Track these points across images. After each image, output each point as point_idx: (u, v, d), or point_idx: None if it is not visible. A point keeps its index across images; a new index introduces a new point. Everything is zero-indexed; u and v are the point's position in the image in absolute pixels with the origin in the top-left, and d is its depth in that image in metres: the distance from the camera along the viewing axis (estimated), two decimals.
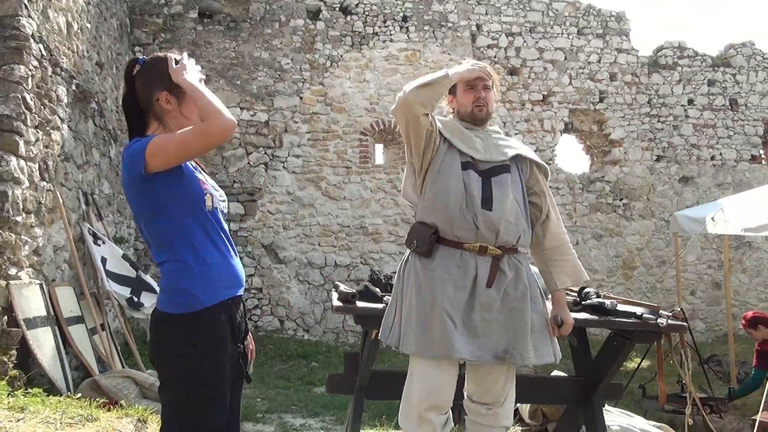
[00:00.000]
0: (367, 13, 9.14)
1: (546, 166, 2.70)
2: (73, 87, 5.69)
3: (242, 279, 1.99)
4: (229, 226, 7.42)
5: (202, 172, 2.01)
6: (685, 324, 3.06)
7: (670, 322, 2.96)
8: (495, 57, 9.47)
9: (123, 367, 5.38)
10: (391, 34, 9.20)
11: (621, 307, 3.14)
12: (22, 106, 4.53)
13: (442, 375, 2.41)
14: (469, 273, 2.40)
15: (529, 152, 2.65)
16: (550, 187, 2.72)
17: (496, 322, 2.38)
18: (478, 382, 2.55)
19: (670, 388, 6.28)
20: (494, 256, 2.42)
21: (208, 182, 1.98)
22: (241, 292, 1.97)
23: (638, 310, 3.07)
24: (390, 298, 2.67)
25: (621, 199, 9.68)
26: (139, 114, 1.97)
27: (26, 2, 4.64)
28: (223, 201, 2.02)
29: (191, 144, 1.80)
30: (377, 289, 3.12)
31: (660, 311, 3.06)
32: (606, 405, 3.79)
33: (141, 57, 1.99)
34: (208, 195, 1.91)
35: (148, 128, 1.96)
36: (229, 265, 1.94)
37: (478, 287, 2.39)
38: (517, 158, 2.58)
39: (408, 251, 2.57)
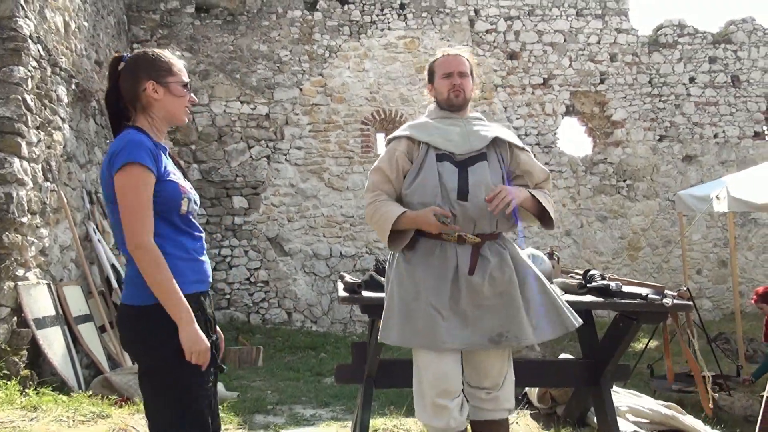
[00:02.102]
0: (364, 1, 9.10)
1: (527, 148, 2.69)
2: (73, 86, 5.70)
3: (210, 276, 2.03)
4: (233, 220, 7.39)
5: (176, 168, 2.01)
6: (690, 303, 3.07)
7: (675, 302, 2.97)
8: (494, 41, 9.43)
9: (133, 363, 5.42)
10: (389, 22, 9.16)
11: (626, 289, 3.14)
12: (23, 108, 4.54)
13: (445, 361, 2.44)
14: (449, 262, 2.42)
15: (508, 135, 2.64)
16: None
17: (487, 307, 2.39)
18: (474, 367, 2.55)
19: (678, 368, 6.30)
20: (474, 244, 2.43)
21: (184, 183, 1.98)
22: (208, 287, 2.02)
23: (643, 291, 3.07)
24: None
25: (624, 180, 9.65)
26: (125, 109, 1.98)
27: (23, 3, 4.63)
28: (197, 202, 2.04)
29: (127, 222, 1.81)
30: (382, 279, 3.13)
31: (665, 291, 3.07)
32: (614, 386, 3.81)
33: (125, 54, 2.01)
34: (185, 200, 1.93)
35: (135, 122, 1.97)
36: (199, 262, 1.97)
37: (461, 275, 2.40)
38: (497, 143, 2.58)
39: None
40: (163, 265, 1.81)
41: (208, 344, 1.84)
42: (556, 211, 2.68)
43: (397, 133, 2.65)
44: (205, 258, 2.01)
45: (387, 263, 2.65)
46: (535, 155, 9.66)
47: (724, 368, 5.87)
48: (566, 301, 3.00)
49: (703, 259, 9.79)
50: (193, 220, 1.99)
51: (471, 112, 2.69)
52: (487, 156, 2.53)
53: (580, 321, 2.52)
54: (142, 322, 1.85)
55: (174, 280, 1.81)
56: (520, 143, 2.65)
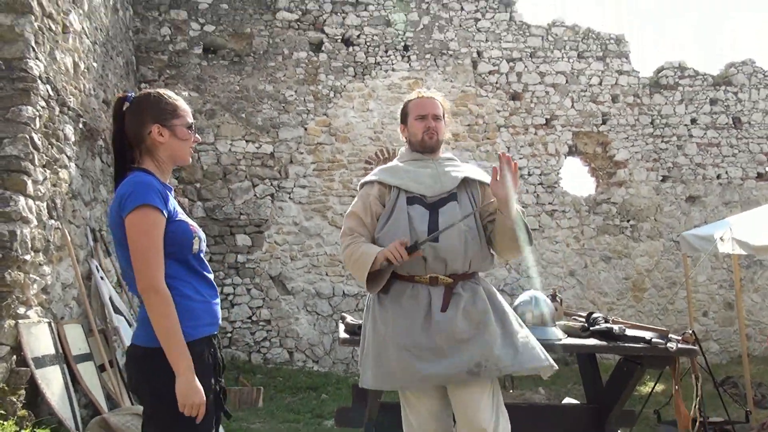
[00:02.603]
0: (368, 43, 9.26)
1: None
2: (80, 125, 5.77)
3: (220, 318, 2.03)
4: (236, 258, 7.38)
5: (182, 210, 2.03)
6: (695, 348, 3.03)
7: (680, 346, 2.93)
8: (497, 83, 9.55)
9: (132, 404, 5.35)
10: (393, 64, 9.30)
11: (630, 332, 3.12)
12: (30, 146, 4.59)
13: (428, 403, 2.44)
14: (421, 301, 2.42)
15: (478, 174, 2.65)
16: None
17: (464, 340, 2.36)
18: (462, 412, 2.45)
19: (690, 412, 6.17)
20: (446, 284, 2.43)
21: (193, 223, 2.01)
22: (217, 330, 2.01)
23: (647, 335, 3.05)
24: None
25: (628, 221, 9.64)
26: (129, 150, 1.99)
27: (33, 45, 4.73)
28: (204, 241, 2.06)
29: (139, 264, 1.81)
30: None
31: (669, 335, 3.04)
32: None
33: (129, 94, 2.02)
34: (196, 239, 1.94)
35: (140, 163, 1.99)
36: (210, 304, 1.97)
37: (434, 313, 2.39)
38: (467, 183, 2.60)
39: None
40: (172, 310, 1.80)
41: (204, 398, 1.82)
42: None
43: (368, 177, 2.68)
44: (217, 300, 2.02)
45: (365, 307, 2.64)
46: (538, 195, 9.72)
47: (732, 414, 5.76)
48: (569, 345, 2.99)
49: (708, 300, 9.71)
50: (203, 258, 2.00)
51: (443, 153, 2.71)
52: (458, 196, 2.55)
53: (556, 367, 2.49)
54: (149, 364, 1.84)
55: (179, 327, 1.80)
56: (488, 180, 2.65)
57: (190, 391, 1.78)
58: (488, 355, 2.34)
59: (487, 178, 2.65)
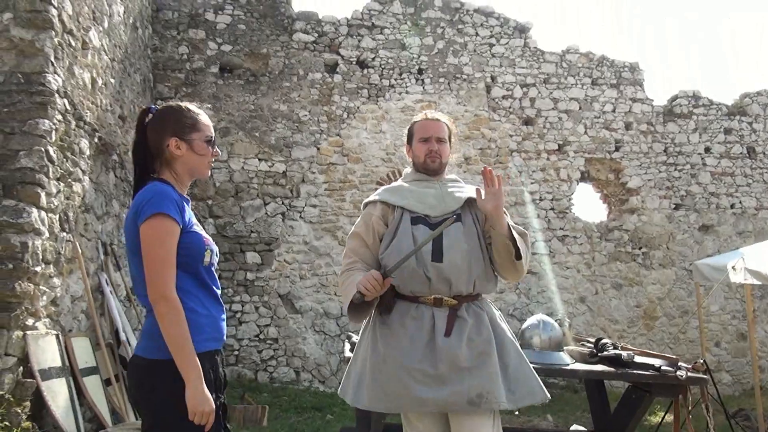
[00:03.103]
0: (383, 66, 9.34)
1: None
2: (96, 140, 5.84)
3: (225, 334, 2.02)
4: (246, 275, 7.36)
5: (197, 221, 2.04)
6: (706, 377, 2.98)
7: (690, 374, 2.89)
8: (510, 107, 9.58)
9: (136, 418, 5.34)
10: (406, 86, 9.37)
11: (639, 359, 3.07)
12: (45, 159, 4.64)
13: (431, 425, 2.41)
14: (425, 324, 2.39)
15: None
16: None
17: (466, 368, 2.33)
18: None
19: None
20: (451, 306, 2.40)
21: (206, 235, 2.02)
22: (221, 346, 2.01)
23: (657, 362, 3.00)
24: None
25: (640, 248, 9.57)
26: (151, 160, 2.02)
27: (53, 60, 4.81)
28: (217, 254, 2.06)
29: (151, 273, 1.82)
30: None
31: (679, 363, 3.00)
32: None
33: (153, 106, 2.06)
34: (208, 251, 1.95)
35: (160, 174, 2.01)
36: (216, 318, 1.97)
37: (438, 337, 2.36)
38: (471, 204, 2.58)
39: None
40: (182, 319, 1.80)
41: (213, 407, 1.81)
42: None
43: (372, 197, 2.67)
44: (223, 316, 2.01)
45: (363, 324, 2.60)
46: (549, 220, 9.66)
47: None
48: (576, 370, 2.95)
49: (721, 331, 9.57)
50: (214, 272, 2.00)
51: (447, 174, 2.71)
52: (462, 217, 2.53)
53: (548, 396, 2.45)
54: (151, 376, 1.84)
55: (189, 337, 1.80)
56: None
57: (200, 400, 1.78)
58: (490, 388, 2.31)
59: None
